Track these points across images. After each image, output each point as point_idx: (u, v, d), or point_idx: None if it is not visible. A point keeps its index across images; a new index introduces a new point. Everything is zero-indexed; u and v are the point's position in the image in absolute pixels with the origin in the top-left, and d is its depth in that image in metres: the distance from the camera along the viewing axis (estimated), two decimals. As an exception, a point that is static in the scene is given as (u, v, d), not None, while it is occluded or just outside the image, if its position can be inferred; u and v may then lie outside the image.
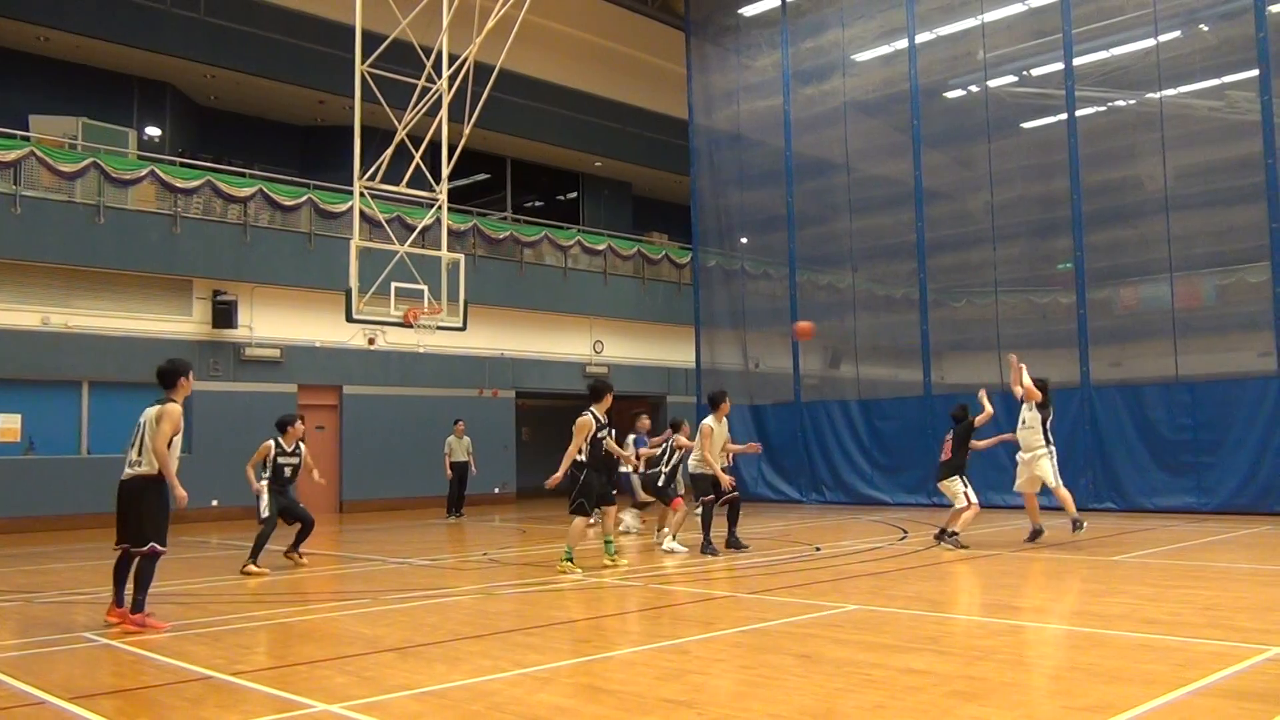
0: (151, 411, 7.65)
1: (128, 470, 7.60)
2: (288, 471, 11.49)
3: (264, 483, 11.24)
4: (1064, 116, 18.46)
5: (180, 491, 7.53)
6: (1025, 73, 20.01)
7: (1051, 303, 19.62)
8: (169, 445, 7.54)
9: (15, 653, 6.93)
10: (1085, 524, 12.23)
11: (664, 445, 13.77)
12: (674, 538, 12.30)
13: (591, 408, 10.64)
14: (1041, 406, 12.31)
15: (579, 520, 10.54)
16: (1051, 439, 12.44)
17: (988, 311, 19.76)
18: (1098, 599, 8.35)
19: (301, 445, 11.70)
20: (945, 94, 20.90)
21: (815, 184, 22.46)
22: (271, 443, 11.40)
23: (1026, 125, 20.01)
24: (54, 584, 10.39)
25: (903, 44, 20.74)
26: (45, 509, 17.66)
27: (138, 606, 7.40)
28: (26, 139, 18.25)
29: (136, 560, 7.47)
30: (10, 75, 20.27)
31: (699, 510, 12.49)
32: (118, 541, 7.61)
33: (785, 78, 22.66)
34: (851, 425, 21.16)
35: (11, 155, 17.58)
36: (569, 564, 10.40)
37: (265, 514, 11.16)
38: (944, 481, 12.32)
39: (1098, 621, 7.23)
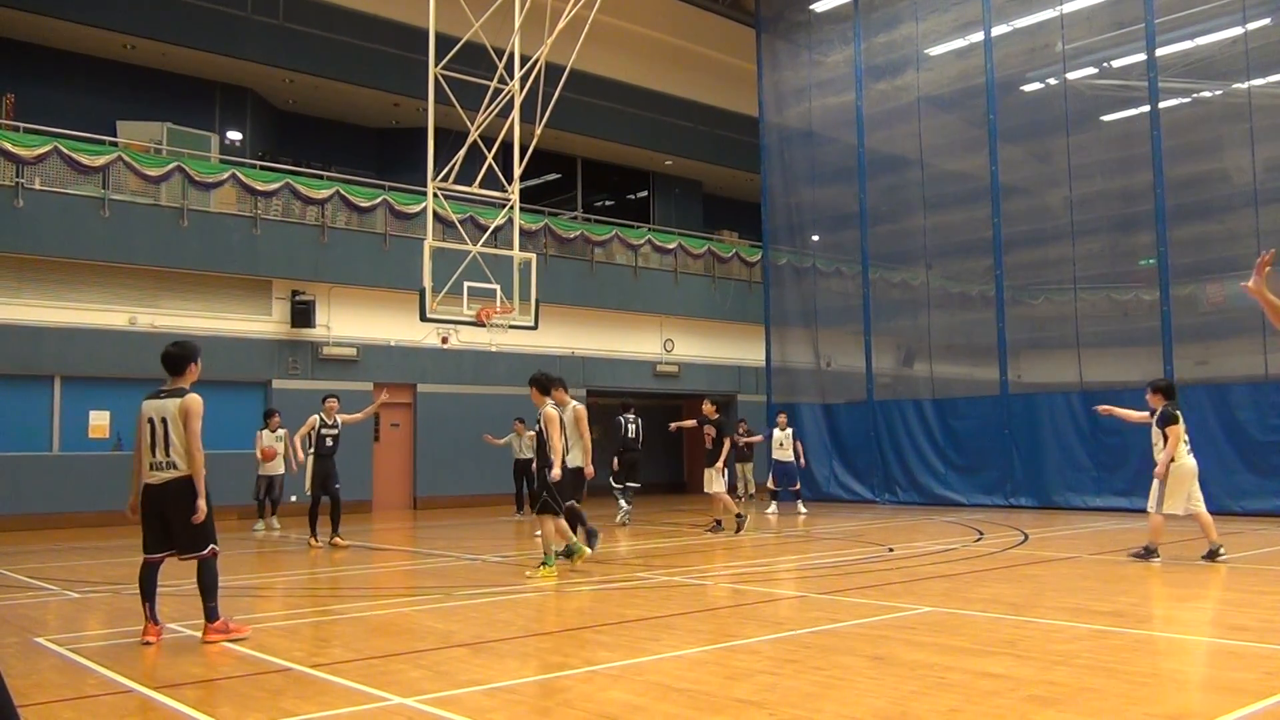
0: (171, 406, 6.84)
1: (159, 474, 6.80)
2: (329, 442, 13.45)
3: (309, 455, 13.51)
4: (1146, 109, 18.01)
5: (203, 504, 6.79)
6: (1105, 64, 19.55)
7: (1133, 300, 19.15)
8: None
9: (103, 642, 7.16)
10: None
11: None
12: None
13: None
14: None
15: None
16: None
17: (1066, 309, 19.35)
18: (1183, 604, 8.12)
19: (340, 418, 13.64)
20: (1022, 87, 20.51)
21: (888, 180, 22.20)
22: (316, 416, 13.54)
23: (1107, 118, 19.54)
24: (141, 576, 10.68)
25: (978, 37, 20.40)
26: (132, 503, 18.21)
27: (213, 614, 6.84)
28: (114, 144, 18.82)
29: (197, 567, 6.87)
30: (99, 83, 20.94)
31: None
32: (154, 550, 6.87)
33: (858, 73, 22.42)
34: (925, 424, 20.87)
35: (100, 160, 18.15)
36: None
37: (308, 485, 13.50)
38: None
39: (1183, 627, 7.03)
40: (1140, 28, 18.06)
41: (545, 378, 10.46)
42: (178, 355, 7.04)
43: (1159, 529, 10.45)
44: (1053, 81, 19.76)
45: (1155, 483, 10.40)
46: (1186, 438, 10.41)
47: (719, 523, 14.60)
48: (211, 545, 6.91)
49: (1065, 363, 19.04)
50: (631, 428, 17.07)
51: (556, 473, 10.06)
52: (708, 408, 15.07)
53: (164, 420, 6.84)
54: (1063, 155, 19.21)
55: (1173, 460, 10.23)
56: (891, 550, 12.17)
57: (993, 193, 19.89)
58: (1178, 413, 10.37)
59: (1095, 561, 10.85)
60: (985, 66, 20.06)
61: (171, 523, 6.86)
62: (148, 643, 6.73)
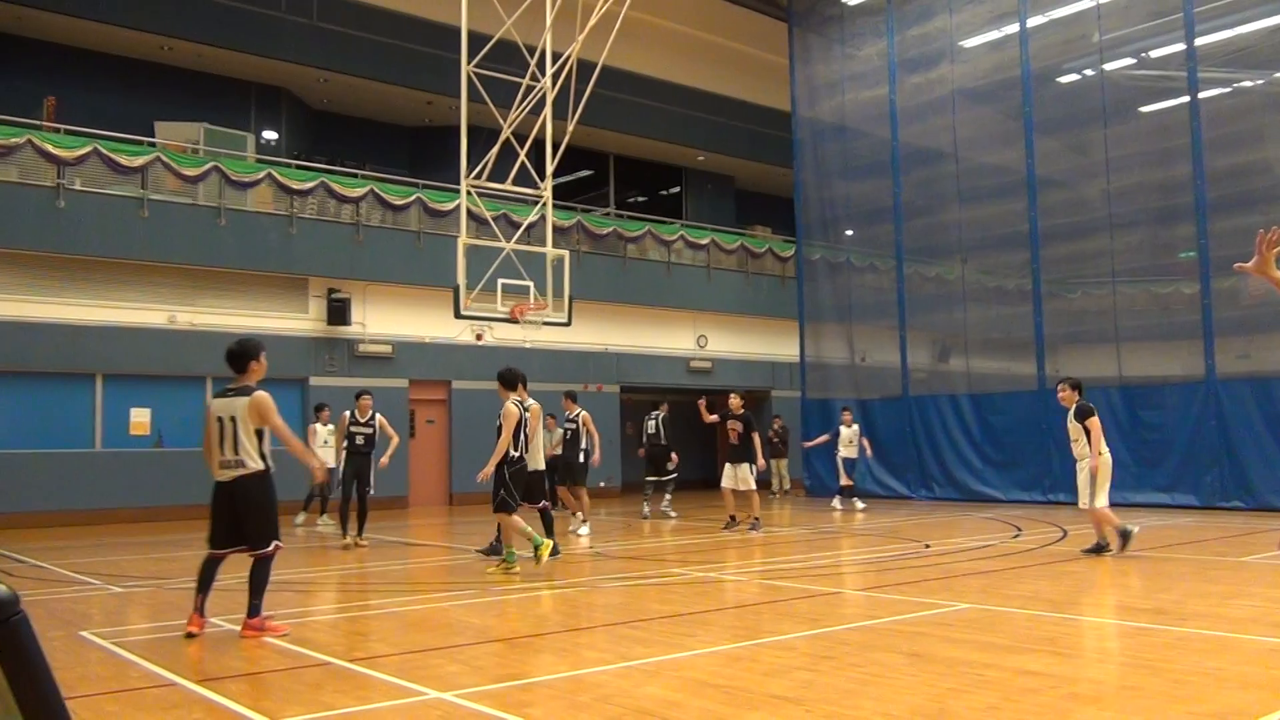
0: (240, 404, 6.97)
1: (228, 472, 6.92)
2: (360, 440, 13.15)
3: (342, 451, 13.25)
4: (1185, 99, 17.75)
5: (316, 462, 7.72)
6: (1143, 54, 19.28)
7: (1173, 293, 18.89)
8: (260, 436, 6.99)
9: (148, 636, 7.26)
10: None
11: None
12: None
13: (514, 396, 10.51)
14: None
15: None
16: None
17: (1105, 302, 19.12)
18: (1225, 601, 8.01)
19: (380, 420, 13.33)
20: (1058, 79, 20.27)
21: (922, 174, 22.03)
22: (347, 413, 13.30)
23: (1145, 109, 19.27)
24: (183, 570, 10.80)
25: (1014, 28, 20.18)
26: (173, 499, 18.40)
27: (255, 610, 6.89)
28: (153, 145, 19.05)
29: (254, 563, 6.97)
30: (137, 84, 21.20)
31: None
32: (221, 545, 7.01)
33: (891, 66, 22.26)
34: (962, 419, 20.71)
35: (139, 161, 18.39)
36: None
37: (339, 481, 13.23)
38: None
39: (1225, 624, 6.93)
40: (1179, 17, 17.81)
41: (510, 373, 10.68)
42: (239, 353, 7.27)
43: (1109, 518, 10.50)
44: (1089, 73, 19.52)
45: (1085, 477, 10.51)
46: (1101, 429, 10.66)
47: (756, 520, 14.54)
48: (276, 542, 7.03)
49: (1104, 357, 18.82)
50: (652, 423, 17.51)
51: (488, 471, 10.12)
52: (734, 401, 14.97)
53: (233, 419, 6.96)
54: (1100, 147, 18.98)
55: (1100, 454, 10.42)
56: (928, 546, 12.10)
57: (1029, 186, 19.69)
58: (1091, 405, 10.68)
59: (1135, 558, 10.72)
60: (1021, 58, 19.85)
61: (243, 519, 6.97)
62: (190, 634, 6.83)
